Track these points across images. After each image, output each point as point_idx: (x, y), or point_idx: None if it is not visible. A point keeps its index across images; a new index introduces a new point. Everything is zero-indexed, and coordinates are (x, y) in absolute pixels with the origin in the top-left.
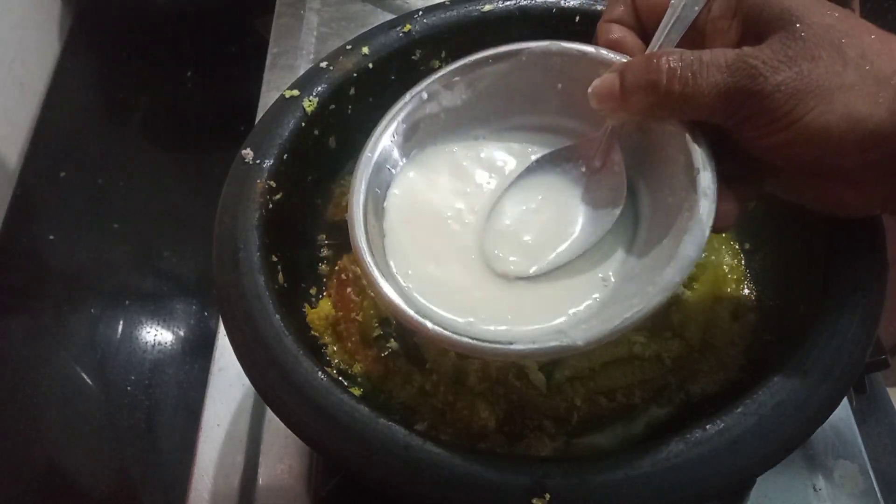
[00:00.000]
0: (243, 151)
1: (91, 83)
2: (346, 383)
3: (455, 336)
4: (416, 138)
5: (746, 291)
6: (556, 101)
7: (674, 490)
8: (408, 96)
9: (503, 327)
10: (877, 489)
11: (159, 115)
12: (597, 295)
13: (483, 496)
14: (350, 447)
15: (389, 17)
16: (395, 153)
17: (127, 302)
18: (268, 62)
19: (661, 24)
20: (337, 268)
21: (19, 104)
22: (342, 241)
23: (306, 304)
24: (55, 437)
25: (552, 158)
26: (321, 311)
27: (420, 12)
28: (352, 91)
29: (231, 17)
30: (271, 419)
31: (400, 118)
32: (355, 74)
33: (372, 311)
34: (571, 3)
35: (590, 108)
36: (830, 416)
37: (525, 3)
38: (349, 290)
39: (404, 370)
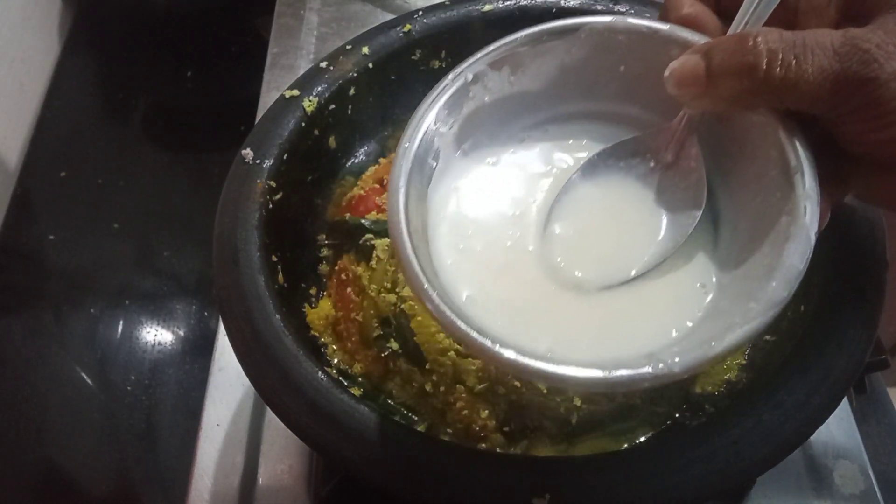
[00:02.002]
0: (243, 151)
1: (91, 83)
2: (346, 383)
3: (535, 364)
4: (459, 127)
5: None
6: (618, 86)
7: (674, 490)
8: (450, 76)
9: (586, 353)
10: (877, 489)
11: (159, 115)
12: (696, 308)
13: (483, 496)
14: (350, 447)
15: (389, 17)
16: (437, 143)
17: (127, 302)
18: (268, 62)
19: None
20: (337, 268)
21: (19, 104)
22: (342, 241)
23: (306, 304)
24: (55, 437)
25: (615, 152)
26: (321, 311)
27: (420, 12)
28: (352, 91)
29: (231, 17)
30: (271, 419)
31: (441, 102)
32: (355, 74)
33: (372, 311)
34: (571, 2)
35: (658, 95)
36: (830, 416)
37: (525, 3)
38: (349, 290)
39: (404, 370)
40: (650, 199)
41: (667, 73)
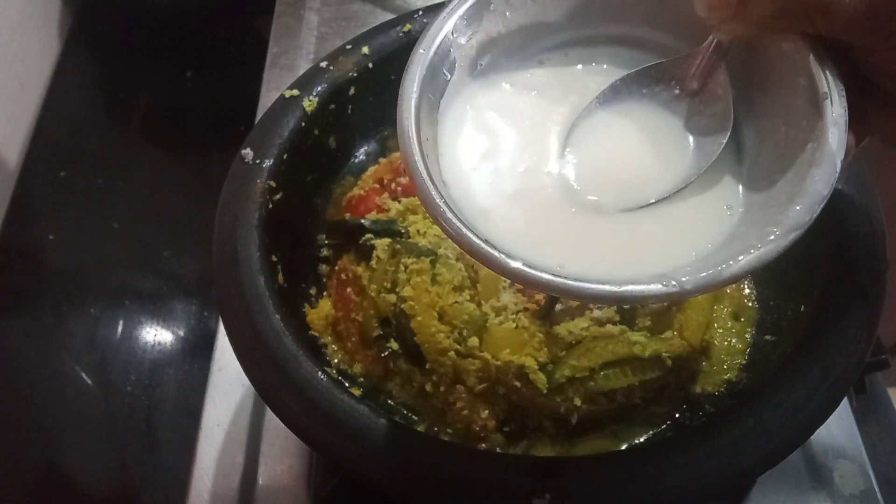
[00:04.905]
0: (243, 151)
1: (91, 83)
2: (346, 383)
3: (541, 275)
4: (478, 41)
5: (747, 291)
6: (644, 9)
7: (674, 490)
8: None
9: (600, 272)
10: (877, 489)
11: (159, 115)
12: (719, 231)
13: (483, 496)
14: (350, 447)
15: (389, 16)
16: (453, 54)
17: (127, 302)
18: (268, 62)
19: None
20: (337, 268)
21: (19, 104)
22: (342, 241)
23: (306, 304)
24: (55, 437)
25: (639, 78)
26: (321, 311)
27: (420, 12)
28: (352, 91)
29: (231, 17)
30: (271, 419)
31: (461, 12)
32: (355, 74)
33: (372, 312)
34: None
35: (686, 19)
36: (830, 416)
37: None
38: (349, 290)
39: (404, 370)
40: (674, 125)
41: None
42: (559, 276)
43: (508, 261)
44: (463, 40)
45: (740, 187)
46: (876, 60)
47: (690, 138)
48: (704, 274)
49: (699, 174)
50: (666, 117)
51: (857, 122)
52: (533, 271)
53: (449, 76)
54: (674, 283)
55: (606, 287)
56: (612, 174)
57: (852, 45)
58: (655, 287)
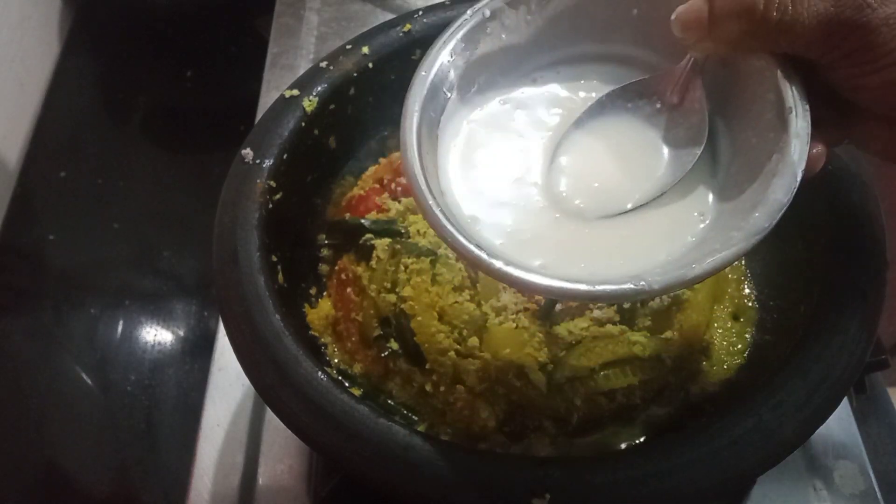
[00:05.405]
0: (243, 151)
1: (91, 83)
2: (346, 383)
3: (522, 274)
4: (475, 62)
5: (746, 291)
6: (630, 30)
7: (674, 490)
8: (469, 13)
9: (579, 273)
10: (877, 489)
11: (159, 115)
12: (690, 235)
13: (483, 496)
14: (350, 447)
15: (389, 16)
16: (452, 75)
17: (127, 302)
18: (268, 62)
19: None
20: (337, 268)
21: (19, 104)
22: (342, 241)
23: (306, 304)
24: (55, 437)
25: (623, 94)
26: (321, 311)
27: (420, 12)
28: (352, 91)
29: (231, 17)
30: (271, 419)
31: (459, 36)
32: (355, 74)
33: (372, 312)
34: None
35: (668, 39)
36: (830, 416)
37: None
38: (349, 290)
39: (404, 370)
40: (654, 137)
41: (673, 16)
42: (538, 276)
43: (492, 261)
44: (461, 61)
45: (711, 195)
46: (839, 76)
47: (669, 150)
48: (671, 275)
49: (674, 183)
50: (647, 130)
51: (835, 126)
52: (514, 270)
53: (449, 95)
54: (643, 283)
55: (582, 286)
56: (595, 183)
57: (816, 62)
58: (627, 286)
